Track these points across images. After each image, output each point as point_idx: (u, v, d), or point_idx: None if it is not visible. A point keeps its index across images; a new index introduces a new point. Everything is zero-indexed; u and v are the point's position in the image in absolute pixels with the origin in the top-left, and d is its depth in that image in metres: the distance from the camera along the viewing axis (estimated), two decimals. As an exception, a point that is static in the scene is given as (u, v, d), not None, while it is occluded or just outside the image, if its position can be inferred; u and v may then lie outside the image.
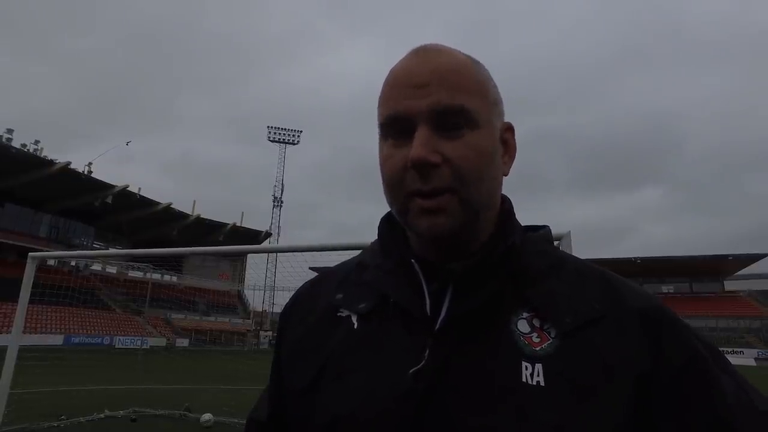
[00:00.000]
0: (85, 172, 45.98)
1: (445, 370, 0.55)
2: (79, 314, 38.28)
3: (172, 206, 51.17)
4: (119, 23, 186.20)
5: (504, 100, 0.66)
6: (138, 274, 47.87)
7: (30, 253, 6.29)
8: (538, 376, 0.53)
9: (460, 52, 0.62)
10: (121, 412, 9.01)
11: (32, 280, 6.11)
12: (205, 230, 56.62)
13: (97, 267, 46.91)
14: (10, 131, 42.69)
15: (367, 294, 0.65)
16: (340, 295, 0.67)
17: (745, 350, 46.07)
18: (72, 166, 41.90)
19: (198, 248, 7.31)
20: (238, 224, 60.42)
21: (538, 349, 0.55)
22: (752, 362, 43.19)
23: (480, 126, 0.58)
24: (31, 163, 40.19)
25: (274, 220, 66.85)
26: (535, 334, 0.56)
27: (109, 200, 44.69)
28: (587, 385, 0.52)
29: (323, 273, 0.77)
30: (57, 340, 32.49)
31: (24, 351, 5.93)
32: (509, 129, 0.66)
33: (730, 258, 54.03)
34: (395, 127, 0.59)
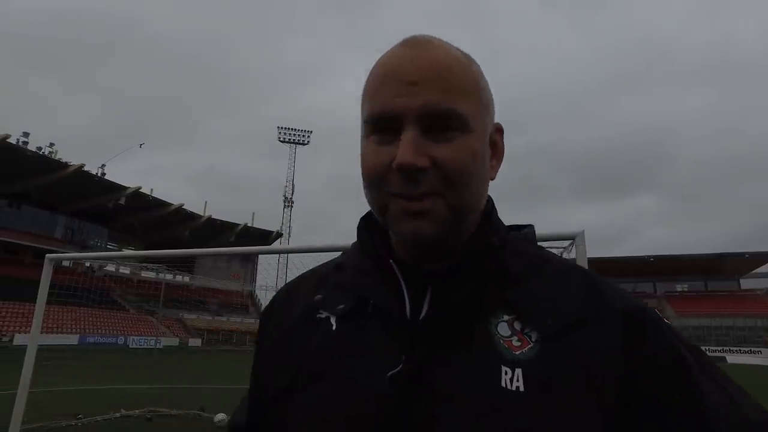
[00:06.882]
0: (99, 174, 46.64)
1: (422, 373, 0.52)
2: (94, 314, 38.79)
3: (183, 207, 51.69)
4: (154, 58, 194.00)
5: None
6: (151, 275, 48.31)
7: (47, 255, 6.38)
8: (517, 381, 0.51)
9: (452, 46, 0.58)
10: (137, 411, 9.11)
11: (49, 281, 6.20)
12: (217, 231, 57.08)
13: (110, 268, 47.48)
14: (26, 134, 43.42)
15: (346, 295, 0.62)
16: (319, 296, 0.65)
17: (762, 350, 45.24)
18: (86, 168, 42.56)
19: (209, 249, 7.37)
20: (249, 225, 60.87)
21: (518, 353, 0.53)
22: (770, 362, 42.46)
23: (471, 129, 0.54)
24: (46, 165, 40.87)
25: (284, 221, 67.26)
26: (515, 338, 0.54)
27: (122, 201, 45.32)
28: (568, 391, 0.50)
29: (302, 275, 0.75)
30: (72, 340, 32.94)
31: (40, 351, 6.02)
32: (499, 130, 0.62)
33: (746, 256, 53.12)
34: (381, 125, 0.55)
